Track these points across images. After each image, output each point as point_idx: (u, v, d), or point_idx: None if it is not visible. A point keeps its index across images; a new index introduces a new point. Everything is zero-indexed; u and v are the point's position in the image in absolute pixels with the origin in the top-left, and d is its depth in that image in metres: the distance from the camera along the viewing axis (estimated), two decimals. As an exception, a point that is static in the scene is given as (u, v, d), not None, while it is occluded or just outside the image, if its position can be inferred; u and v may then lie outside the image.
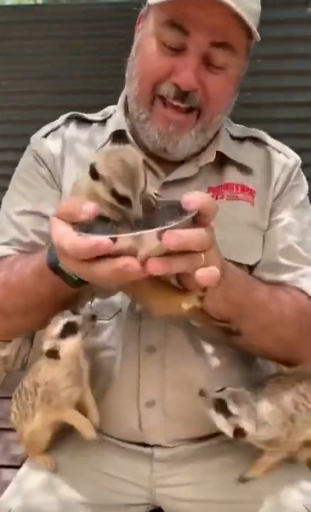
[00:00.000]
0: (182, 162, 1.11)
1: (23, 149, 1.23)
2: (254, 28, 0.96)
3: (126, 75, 1.10)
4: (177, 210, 0.73)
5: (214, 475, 1.07)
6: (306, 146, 3.01)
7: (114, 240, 0.64)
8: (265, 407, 0.94)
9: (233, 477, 1.03)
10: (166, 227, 0.65)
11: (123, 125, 1.13)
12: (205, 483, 1.07)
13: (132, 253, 0.64)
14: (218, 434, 1.08)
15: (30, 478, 1.06)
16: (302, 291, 1.08)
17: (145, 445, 1.12)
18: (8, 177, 1.24)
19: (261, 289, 1.01)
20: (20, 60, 3.75)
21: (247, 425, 0.91)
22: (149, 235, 0.64)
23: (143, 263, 0.65)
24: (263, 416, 0.93)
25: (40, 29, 3.70)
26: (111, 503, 1.07)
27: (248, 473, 1.02)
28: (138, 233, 0.65)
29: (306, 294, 1.08)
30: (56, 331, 0.91)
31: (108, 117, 1.21)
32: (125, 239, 0.64)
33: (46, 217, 1.09)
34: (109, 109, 1.24)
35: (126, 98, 1.14)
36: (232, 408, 0.91)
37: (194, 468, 1.09)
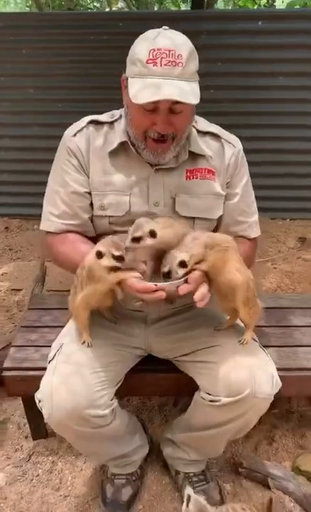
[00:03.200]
0: None
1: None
2: (195, 102, 1.42)
3: (124, 113, 1.60)
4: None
5: (190, 328, 1.72)
6: (251, 135, 3.79)
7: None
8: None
9: (207, 329, 1.67)
10: (180, 281, 1.37)
11: (126, 137, 1.60)
12: (184, 333, 1.71)
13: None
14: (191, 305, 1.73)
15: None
16: (246, 237, 1.76)
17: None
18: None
19: None
20: (16, 59, 4.33)
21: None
22: (170, 285, 1.36)
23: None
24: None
25: (35, 34, 4.29)
26: (122, 343, 1.69)
27: (221, 326, 1.66)
28: (166, 284, 1.37)
29: (247, 238, 1.77)
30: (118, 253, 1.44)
31: (116, 120, 1.66)
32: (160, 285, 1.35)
33: (83, 194, 1.64)
34: (115, 112, 1.69)
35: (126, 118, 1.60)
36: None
37: (176, 325, 1.73)
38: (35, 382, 1.60)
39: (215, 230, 1.73)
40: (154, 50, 1.39)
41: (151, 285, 1.36)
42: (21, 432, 2.20)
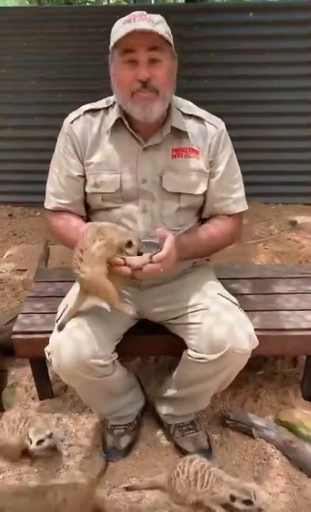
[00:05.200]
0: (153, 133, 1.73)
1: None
2: (168, 38, 1.58)
3: (112, 87, 1.71)
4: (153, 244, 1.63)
5: (179, 290, 1.91)
6: (243, 123, 3.94)
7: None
8: None
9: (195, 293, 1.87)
10: (152, 253, 1.59)
11: (120, 114, 1.72)
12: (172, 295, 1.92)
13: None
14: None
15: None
16: (227, 214, 1.92)
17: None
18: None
19: (202, 241, 1.82)
20: (17, 51, 4.49)
21: None
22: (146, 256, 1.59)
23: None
24: None
25: (35, 27, 4.44)
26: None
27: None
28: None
29: (229, 214, 1.92)
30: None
31: (111, 105, 1.77)
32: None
33: (75, 178, 1.81)
34: (110, 98, 1.79)
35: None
36: None
37: (167, 290, 1.93)
38: (41, 345, 1.80)
39: (200, 209, 1.91)
40: (131, 17, 1.59)
41: (119, 259, 1.60)
42: (28, 394, 2.40)
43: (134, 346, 2.02)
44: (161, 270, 1.60)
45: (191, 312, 1.83)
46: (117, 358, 1.83)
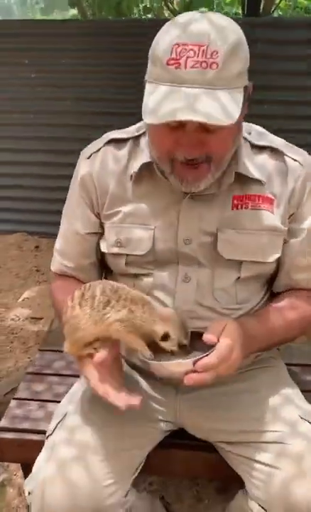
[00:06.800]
0: None
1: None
2: (228, 122, 0.99)
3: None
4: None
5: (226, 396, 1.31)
6: None
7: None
8: None
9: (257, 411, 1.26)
10: (197, 357, 1.03)
11: (151, 157, 1.22)
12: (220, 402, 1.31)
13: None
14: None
15: (82, 392, 1.31)
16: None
17: None
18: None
19: (276, 331, 1.26)
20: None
21: None
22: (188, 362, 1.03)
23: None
24: None
25: (66, 42, 4.06)
26: (146, 417, 1.29)
27: None
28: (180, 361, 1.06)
29: None
30: None
31: (142, 134, 1.28)
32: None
33: (84, 236, 1.33)
34: (143, 124, 1.29)
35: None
36: None
37: (217, 398, 1.32)
38: (35, 449, 1.26)
39: (271, 278, 1.34)
40: (178, 45, 0.98)
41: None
42: (21, 500, 1.82)
43: (159, 463, 1.40)
44: (209, 380, 1.03)
45: (255, 442, 1.21)
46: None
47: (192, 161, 1.10)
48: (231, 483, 1.41)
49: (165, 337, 1.08)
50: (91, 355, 1.11)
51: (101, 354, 1.08)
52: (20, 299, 3.39)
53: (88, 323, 1.10)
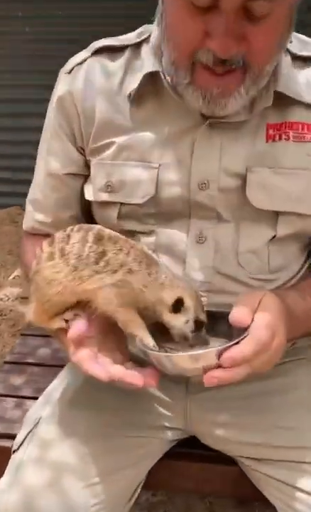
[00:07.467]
0: None
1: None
2: None
3: (156, 25, 0.93)
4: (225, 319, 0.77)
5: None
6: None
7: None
8: None
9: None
10: (223, 346, 0.71)
11: (158, 65, 0.95)
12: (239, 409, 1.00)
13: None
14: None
15: (60, 390, 1.00)
16: None
17: None
18: None
19: None
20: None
21: None
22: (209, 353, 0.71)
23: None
24: None
25: None
26: (146, 424, 1.00)
27: None
28: (198, 352, 0.73)
29: None
30: None
31: (144, 40, 1.00)
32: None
33: (59, 178, 1.05)
34: (147, 28, 1.01)
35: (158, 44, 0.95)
36: None
37: (234, 402, 1.02)
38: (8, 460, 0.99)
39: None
40: None
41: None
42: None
43: (166, 476, 1.11)
44: (239, 380, 0.73)
45: (293, 462, 0.91)
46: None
47: (224, 64, 0.79)
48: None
49: (177, 307, 0.76)
50: (64, 330, 0.80)
51: (78, 324, 0.77)
52: (10, 277, 3.12)
53: (69, 277, 0.77)
